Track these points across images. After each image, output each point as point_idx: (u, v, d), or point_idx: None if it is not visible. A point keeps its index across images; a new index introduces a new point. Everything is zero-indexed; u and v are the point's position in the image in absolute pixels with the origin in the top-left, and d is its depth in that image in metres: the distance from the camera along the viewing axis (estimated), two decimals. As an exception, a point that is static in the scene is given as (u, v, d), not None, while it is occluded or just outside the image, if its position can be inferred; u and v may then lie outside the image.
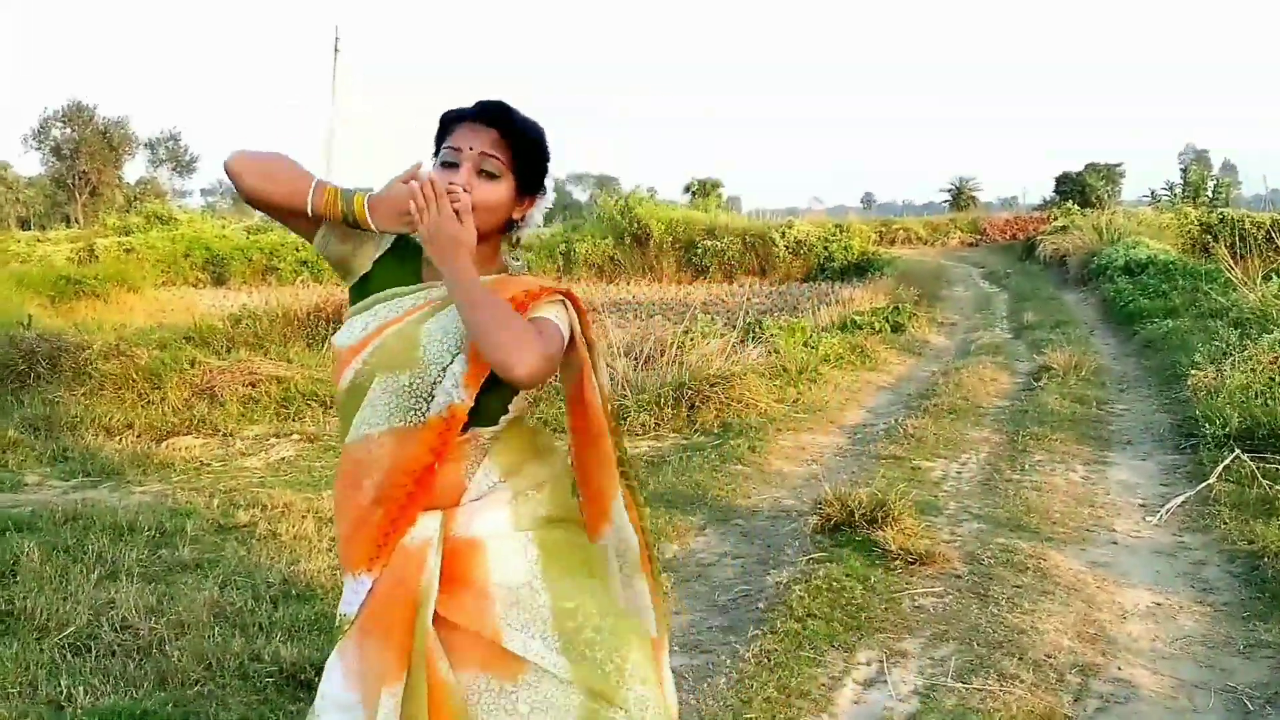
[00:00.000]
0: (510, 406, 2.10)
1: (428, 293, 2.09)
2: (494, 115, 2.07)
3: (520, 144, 2.08)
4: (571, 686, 1.99)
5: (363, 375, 2.06)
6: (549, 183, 2.19)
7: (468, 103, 2.12)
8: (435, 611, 2.01)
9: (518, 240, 2.20)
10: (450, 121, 2.11)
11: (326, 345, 10.31)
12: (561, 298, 2.11)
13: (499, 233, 2.14)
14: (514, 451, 2.13)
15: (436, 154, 2.11)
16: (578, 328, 2.13)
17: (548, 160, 2.15)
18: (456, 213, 1.98)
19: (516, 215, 2.14)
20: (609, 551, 2.27)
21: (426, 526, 2.04)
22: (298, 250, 28.98)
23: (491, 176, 2.06)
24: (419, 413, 2.02)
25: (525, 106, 2.14)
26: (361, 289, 2.15)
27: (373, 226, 2.05)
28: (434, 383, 2.02)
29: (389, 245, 2.15)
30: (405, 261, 2.14)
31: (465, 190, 2.02)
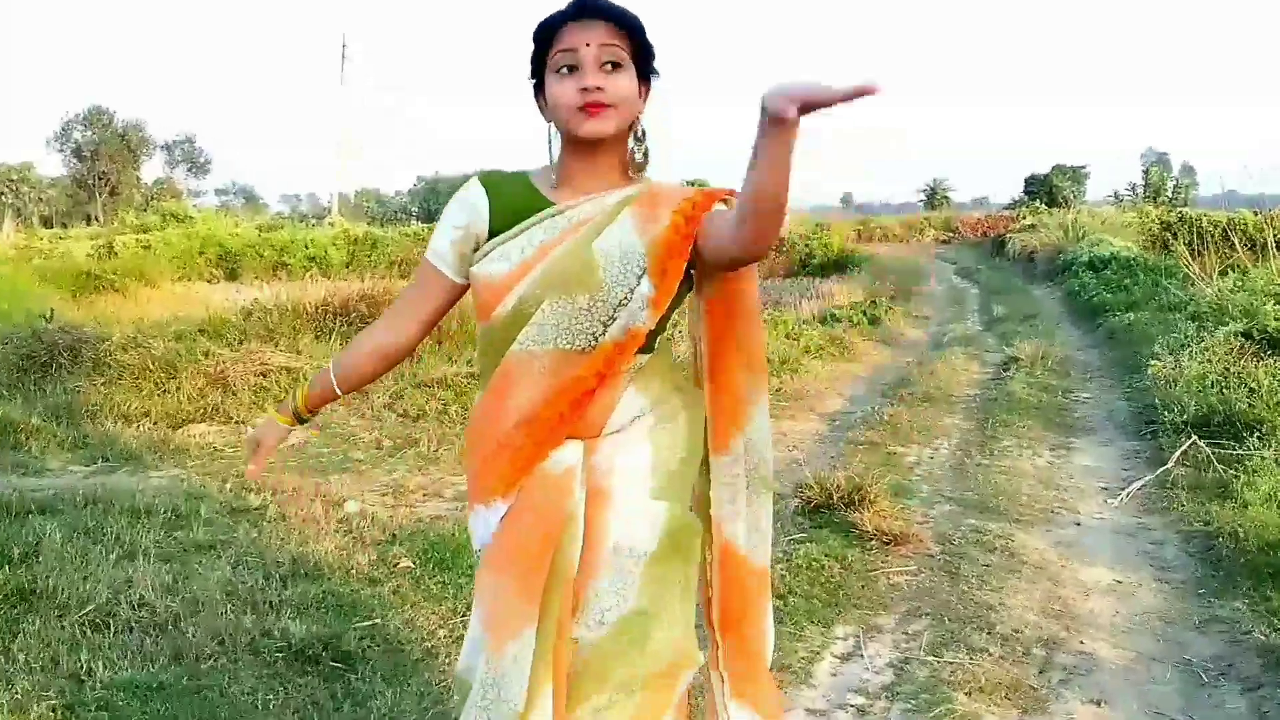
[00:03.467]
0: (665, 327, 1.97)
1: (573, 212, 1.91)
2: (597, 9, 1.87)
3: (633, 27, 1.89)
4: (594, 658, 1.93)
5: (529, 301, 1.89)
6: (656, 66, 1.97)
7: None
8: None
9: (643, 134, 1.98)
10: (548, 31, 1.90)
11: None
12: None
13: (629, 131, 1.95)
14: (658, 381, 1.99)
15: (538, 75, 1.93)
16: None
17: (651, 45, 1.94)
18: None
19: (639, 109, 1.95)
20: (724, 478, 2.06)
21: (569, 453, 1.91)
22: (306, 247, 28.86)
23: (617, 67, 1.87)
24: (593, 336, 1.86)
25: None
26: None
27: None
28: (618, 304, 1.85)
29: (488, 205, 1.96)
30: (521, 195, 1.96)
31: (600, 86, 1.84)
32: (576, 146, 1.93)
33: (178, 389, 8.72)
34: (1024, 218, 34.25)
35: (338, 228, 32.50)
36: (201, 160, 63.95)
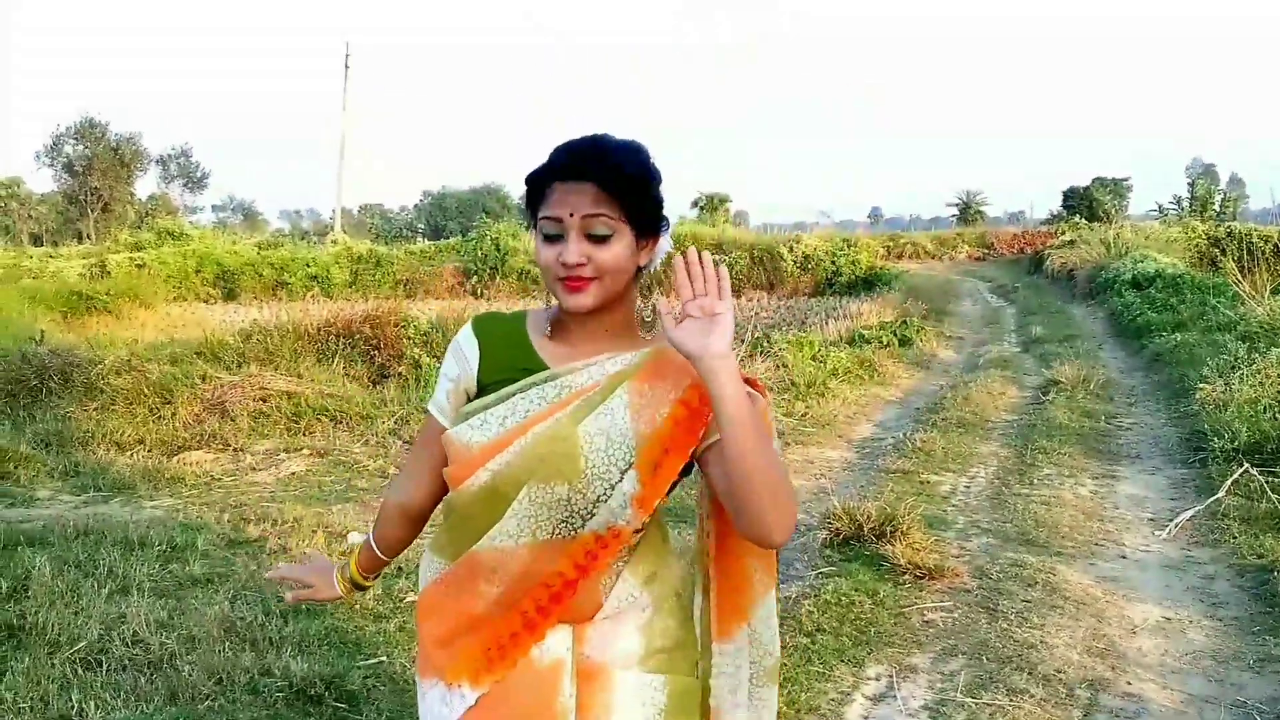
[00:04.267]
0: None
1: (569, 380, 1.79)
2: (587, 165, 1.74)
3: (626, 189, 1.74)
4: None
5: (505, 480, 1.76)
6: (667, 213, 1.86)
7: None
8: None
9: (649, 289, 1.88)
10: (539, 183, 1.79)
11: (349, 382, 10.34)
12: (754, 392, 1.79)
13: (629, 287, 1.83)
14: (650, 554, 1.87)
15: (533, 224, 1.81)
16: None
17: (659, 195, 1.82)
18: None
19: (642, 262, 1.82)
20: (726, 668, 1.96)
21: (558, 643, 1.81)
22: (308, 266, 29.09)
23: (603, 239, 1.74)
24: (572, 526, 1.75)
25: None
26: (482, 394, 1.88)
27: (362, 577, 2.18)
28: (597, 499, 1.74)
29: (478, 355, 1.88)
30: (514, 347, 1.87)
31: (580, 262, 1.74)
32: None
33: (173, 414, 8.78)
34: (1063, 233, 34.24)
35: (340, 245, 32.74)
36: (198, 175, 64.57)
